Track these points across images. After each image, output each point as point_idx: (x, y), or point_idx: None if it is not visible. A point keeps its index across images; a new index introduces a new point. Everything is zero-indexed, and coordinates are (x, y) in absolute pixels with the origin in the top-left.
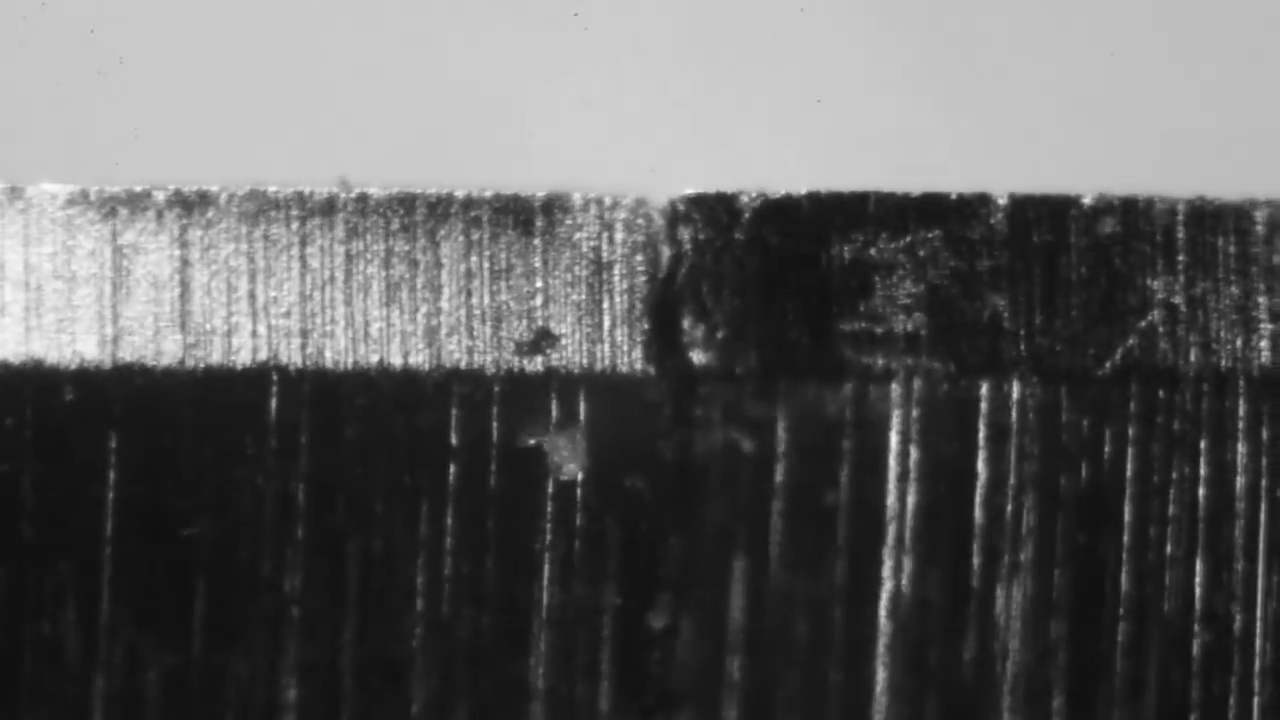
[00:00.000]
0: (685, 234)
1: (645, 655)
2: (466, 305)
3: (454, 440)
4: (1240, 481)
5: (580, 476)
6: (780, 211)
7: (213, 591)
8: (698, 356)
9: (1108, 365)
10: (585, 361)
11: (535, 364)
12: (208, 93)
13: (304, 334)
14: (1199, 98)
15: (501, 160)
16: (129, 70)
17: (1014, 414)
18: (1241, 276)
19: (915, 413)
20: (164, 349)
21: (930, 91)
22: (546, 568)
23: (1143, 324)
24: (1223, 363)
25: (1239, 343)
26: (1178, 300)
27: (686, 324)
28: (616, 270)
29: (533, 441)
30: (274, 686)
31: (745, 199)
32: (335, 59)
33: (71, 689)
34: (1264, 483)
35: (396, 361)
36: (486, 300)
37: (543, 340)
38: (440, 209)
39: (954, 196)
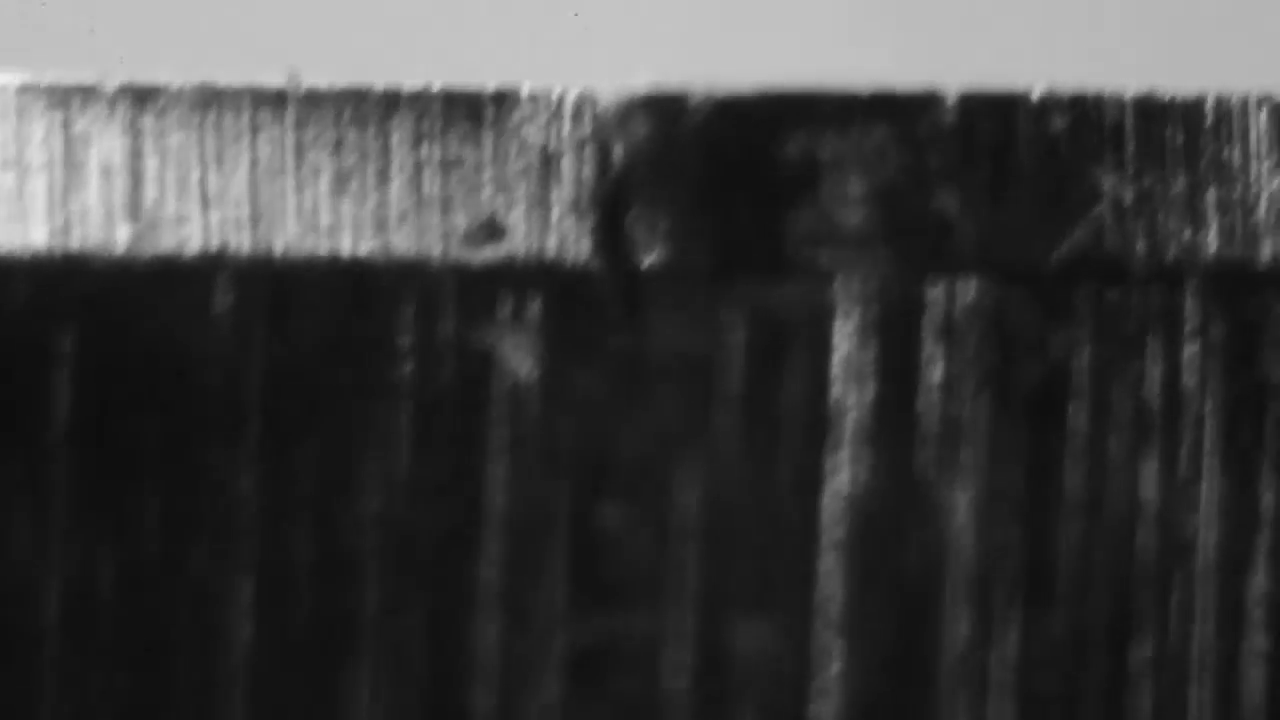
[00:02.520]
0: (635, 129)
1: (596, 553)
2: (416, 196)
3: (404, 334)
4: (1187, 376)
5: (530, 373)
6: (729, 108)
7: (164, 492)
8: (646, 251)
9: (1056, 259)
10: (534, 255)
11: (485, 255)
12: None
13: (254, 223)
14: None
15: (452, 56)
16: None
17: (962, 309)
18: (1190, 169)
19: (864, 308)
20: (115, 238)
21: None
22: (497, 464)
23: (1091, 217)
24: (1171, 255)
25: (1187, 235)
26: (1126, 194)
27: (635, 220)
28: (565, 164)
29: (483, 337)
30: (226, 584)
31: (694, 95)
32: None
33: (23, 587)
34: (1213, 378)
35: (346, 251)
36: (436, 191)
37: (492, 232)
38: (390, 101)
39: (902, 93)
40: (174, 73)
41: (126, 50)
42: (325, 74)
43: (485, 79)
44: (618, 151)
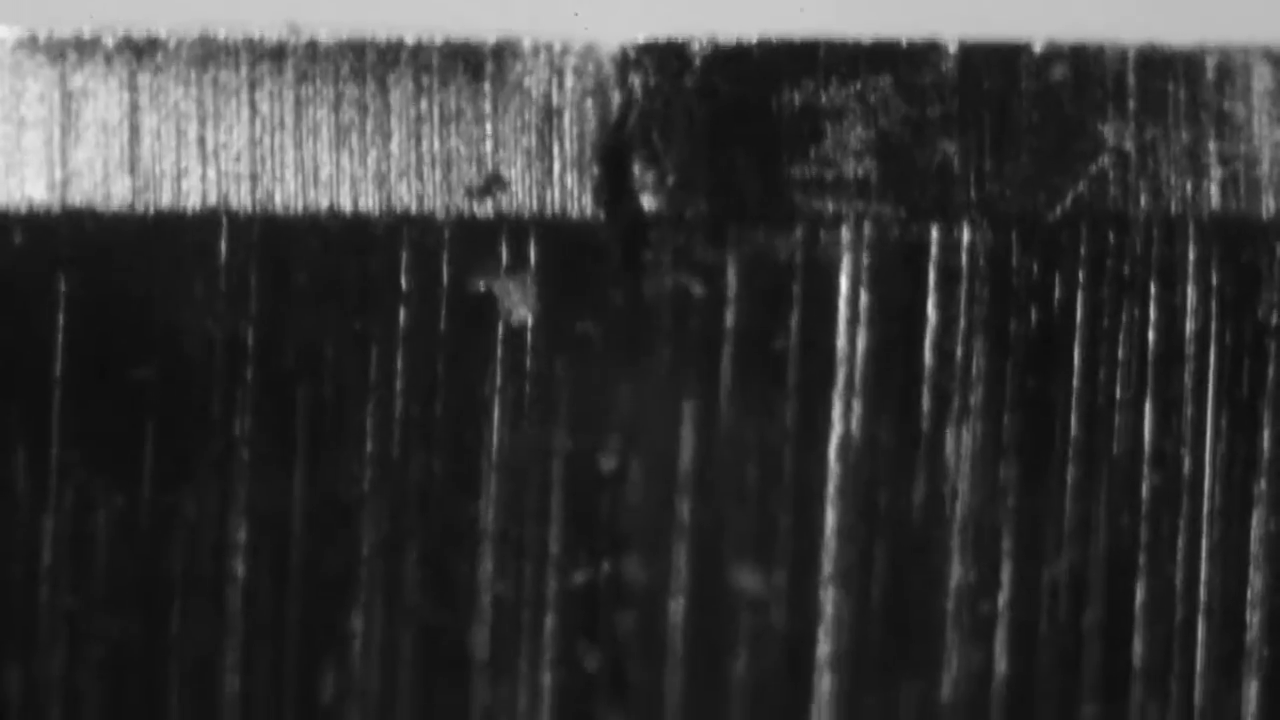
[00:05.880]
0: (636, 80)
1: (595, 498)
2: (416, 150)
3: (404, 284)
4: (1189, 325)
5: (530, 321)
6: (731, 58)
7: (162, 434)
8: (647, 202)
9: (1058, 210)
10: (535, 206)
11: (485, 208)
12: None
13: (254, 178)
14: None
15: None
16: None
17: (964, 258)
18: (1192, 122)
19: (865, 257)
20: (113, 192)
21: None
22: (496, 411)
23: (1093, 169)
24: (1173, 208)
25: (1189, 188)
26: (1128, 146)
27: (636, 169)
28: (566, 116)
29: (483, 286)
30: (223, 528)
31: (696, 45)
32: None
33: (21, 530)
34: (1213, 326)
35: (346, 205)
36: (436, 145)
37: (492, 185)
38: (390, 55)
39: (905, 43)
40: (172, 26)
41: (124, 4)
42: (324, 25)
43: (485, 31)
44: (619, 102)
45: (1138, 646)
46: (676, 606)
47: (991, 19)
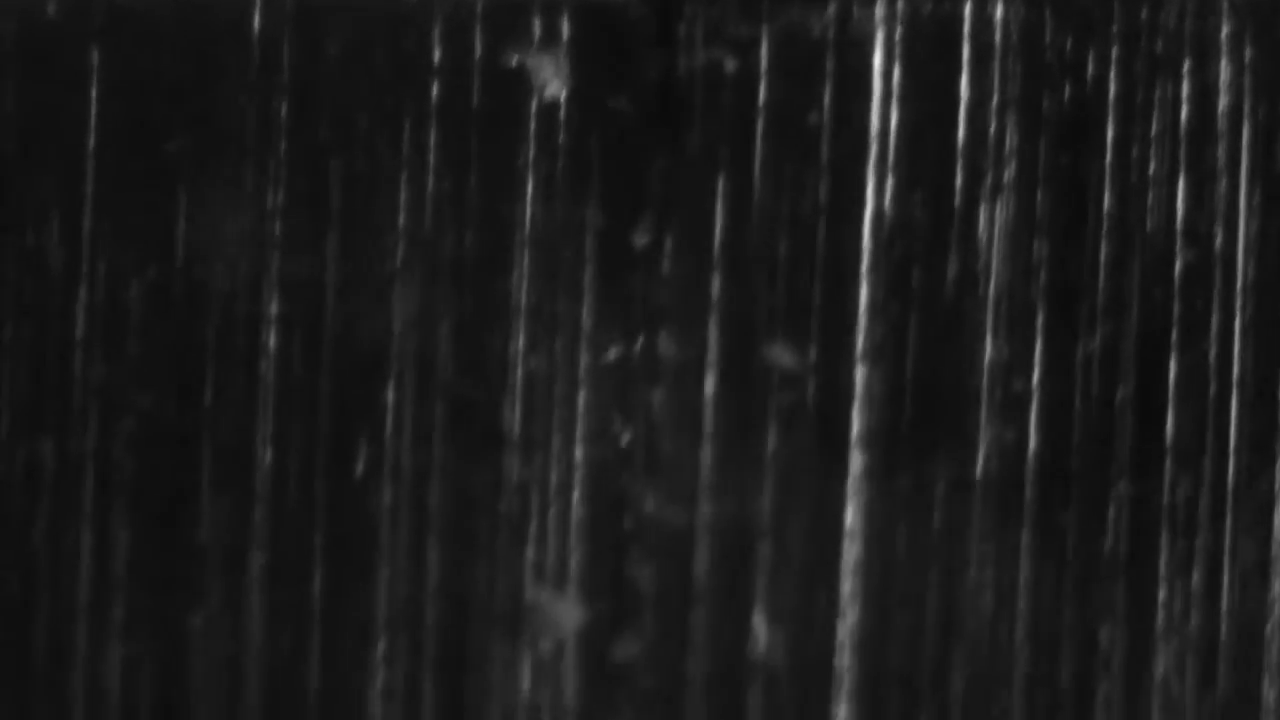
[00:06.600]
0: None
1: (628, 274)
2: None
3: (436, 59)
4: (1222, 101)
5: (563, 96)
6: None
7: (194, 206)
8: None
9: None
10: None
11: None
12: None
13: None
14: None
15: None
16: None
17: (997, 34)
18: None
19: (899, 32)
20: None
21: None
22: (529, 186)
23: None
24: None
25: None
26: None
27: None
28: None
29: (516, 61)
30: (256, 301)
31: None
32: None
33: (55, 301)
34: (1246, 102)
35: None
36: None
37: None
38: None
39: None
40: None
41: None
42: None
43: None
44: None
45: (1170, 423)
46: (709, 382)
47: None
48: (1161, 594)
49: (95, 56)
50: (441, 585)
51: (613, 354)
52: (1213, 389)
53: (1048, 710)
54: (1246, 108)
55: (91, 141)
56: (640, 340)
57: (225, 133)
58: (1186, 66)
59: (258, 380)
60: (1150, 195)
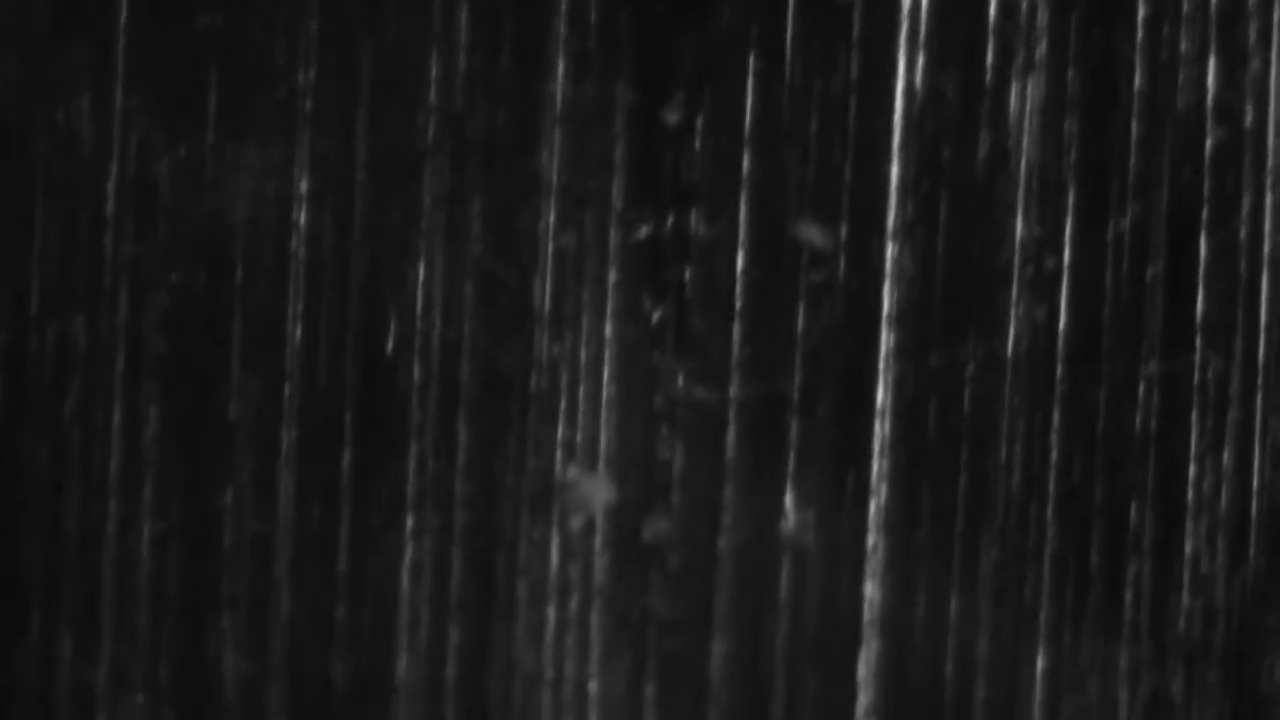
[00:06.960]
0: None
1: (658, 152)
2: None
3: None
4: None
5: None
6: None
7: (225, 82)
8: None
9: None
10: None
11: None
12: None
13: None
14: None
15: None
16: None
17: None
18: None
19: None
20: None
21: None
22: (560, 64)
23: None
24: None
25: None
26: None
27: None
28: None
29: None
30: (286, 178)
31: None
32: None
33: (86, 177)
34: None
35: None
36: None
37: None
38: None
39: None
40: None
41: None
42: None
43: None
44: None
45: (1200, 301)
46: (739, 260)
47: None
48: (1192, 472)
49: None
50: (471, 463)
51: (643, 231)
52: (1243, 267)
53: (1077, 588)
54: None
55: (123, 18)
56: (671, 218)
57: (255, 8)
58: None
59: (288, 257)
60: (1181, 74)
